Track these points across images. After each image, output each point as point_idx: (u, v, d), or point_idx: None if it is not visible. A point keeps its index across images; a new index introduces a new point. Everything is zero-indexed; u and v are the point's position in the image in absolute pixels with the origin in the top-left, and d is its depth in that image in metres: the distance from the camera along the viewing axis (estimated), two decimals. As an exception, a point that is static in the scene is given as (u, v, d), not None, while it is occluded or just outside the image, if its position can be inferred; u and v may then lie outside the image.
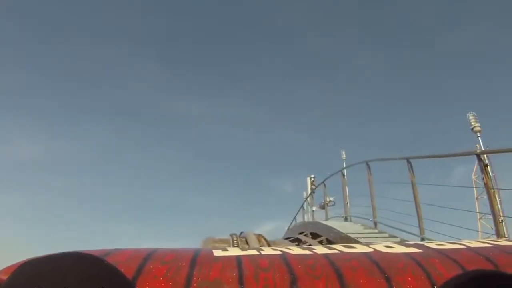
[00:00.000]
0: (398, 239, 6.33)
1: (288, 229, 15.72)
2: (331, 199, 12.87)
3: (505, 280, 0.73)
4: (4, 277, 1.20)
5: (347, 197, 10.68)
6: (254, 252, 1.56)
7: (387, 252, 1.59)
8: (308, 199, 15.29)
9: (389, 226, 7.52)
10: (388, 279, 1.34)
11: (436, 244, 1.73)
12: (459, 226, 6.26)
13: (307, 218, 14.43)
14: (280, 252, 1.56)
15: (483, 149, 8.08)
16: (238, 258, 1.45)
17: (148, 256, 1.41)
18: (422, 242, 1.83)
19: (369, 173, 8.61)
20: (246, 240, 4.94)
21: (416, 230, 6.44)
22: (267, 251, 1.60)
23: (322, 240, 7.99)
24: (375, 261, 1.46)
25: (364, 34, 60.73)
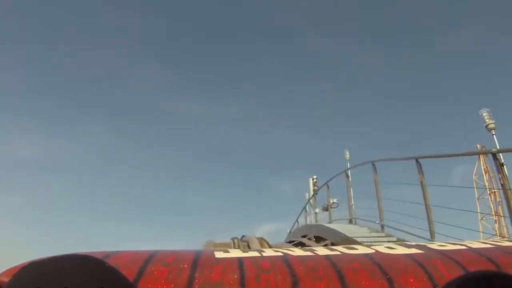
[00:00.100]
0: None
1: (290, 232, 15.54)
2: (335, 200, 12.68)
3: (507, 281, 0.73)
4: (6, 279, 1.21)
5: (352, 199, 10.45)
6: (256, 253, 1.56)
7: (388, 253, 1.59)
8: (311, 200, 15.07)
9: (397, 229, 7.33)
10: (389, 280, 1.34)
11: (438, 245, 1.73)
12: (465, 228, 6.13)
13: (310, 220, 14.27)
14: (281, 254, 1.56)
15: (498, 148, 7.86)
16: (240, 260, 1.45)
17: (150, 258, 1.41)
18: (423, 243, 1.83)
19: (375, 173, 8.37)
20: (248, 244, 5.02)
21: (425, 234, 6.23)
22: (268, 252, 1.59)
23: (327, 244, 7.77)
24: (377, 262, 1.46)
25: (364, 34, 60.99)
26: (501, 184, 5.46)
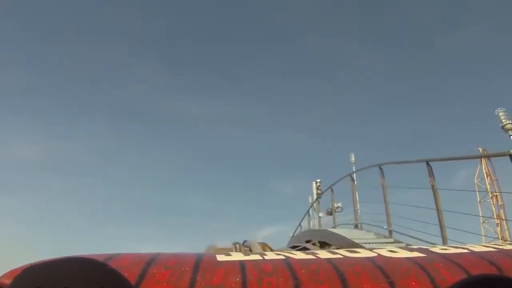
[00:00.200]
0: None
1: (293, 236, 15.35)
2: (339, 204, 12.40)
3: (510, 285, 0.73)
4: (7, 281, 1.21)
5: (357, 203, 10.14)
6: (258, 257, 1.56)
7: (390, 257, 1.59)
8: (314, 204, 14.83)
9: (406, 235, 7.08)
10: (391, 284, 1.34)
11: (440, 249, 1.73)
12: (466, 231, 5.89)
13: (313, 224, 14.05)
14: (283, 257, 1.56)
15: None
16: (242, 263, 1.45)
17: (151, 261, 1.41)
18: (426, 247, 1.83)
19: (382, 177, 8.14)
20: (250, 250, 4.89)
21: (437, 240, 5.99)
22: (270, 256, 1.59)
23: (332, 250, 7.57)
24: (379, 265, 1.46)
25: (364, 34, 61.05)
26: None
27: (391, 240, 7.39)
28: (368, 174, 9.60)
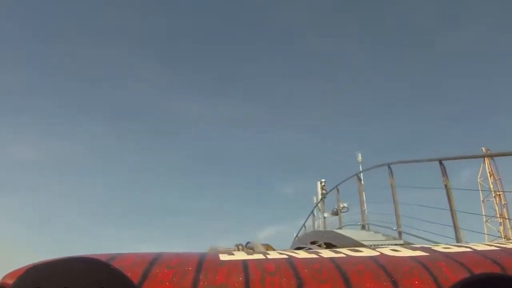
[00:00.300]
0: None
1: (297, 237, 15.19)
2: (345, 205, 12.08)
3: None
4: (10, 281, 1.21)
5: (365, 203, 9.85)
6: (260, 256, 1.56)
7: (393, 256, 1.59)
8: (319, 204, 14.54)
9: (416, 236, 6.83)
10: (394, 283, 1.34)
11: (443, 247, 1.73)
12: (470, 230, 5.90)
13: (318, 225, 13.84)
14: (286, 256, 1.56)
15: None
16: (244, 262, 1.45)
17: (154, 261, 1.41)
18: (428, 246, 1.83)
19: (391, 176, 7.88)
20: (253, 251, 4.81)
21: (450, 242, 5.52)
22: (273, 255, 1.59)
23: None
24: (382, 264, 1.46)
25: (364, 34, 60.98)
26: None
27: (401, 241, 7.14)
28: (374, 174, 9.56)
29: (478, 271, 1.35)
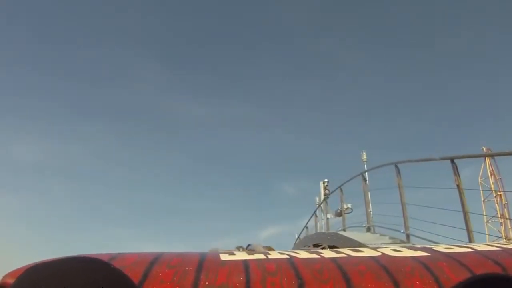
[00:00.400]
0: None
1: (298, 239, 14.81)
2: (349, 205, 11.72)
3: None
4: (11, 280, 1.21)
5: (370, 204, 9.42)
6: (261, 256, 1.56)
7: (395, 256, 1.59)
8: (322, 205, 14.15)
9: (424, 239, 6.45)
10: (396, 283, 1.34)
11: (444, 248, 1.72)
12: (475, 231, 5.63)
13: (321, 226, 13.58)
14: (287, 256, 1.55)
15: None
16: (245, 263, 1.45)
17: (155, 260, 1.41)
18: (429, 246, 1.83)
19: (398, 176, 7.50)
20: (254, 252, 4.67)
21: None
22: (274, 255, 1.59)
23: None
24: (383, 265, 1.46)
25: (364, 34, 60.91)
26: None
27: (410, 244, 6.51)
28: (377, 174, 9.34)
29: (479, 271, 1.35)
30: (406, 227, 7.08)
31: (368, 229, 9.20)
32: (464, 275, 1.24)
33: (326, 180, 15.54)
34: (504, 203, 32.81)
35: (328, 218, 12.99)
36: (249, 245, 1.95)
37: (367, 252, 1.65)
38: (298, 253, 1.63)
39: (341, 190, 11.61)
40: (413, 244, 6.30)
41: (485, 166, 34.94)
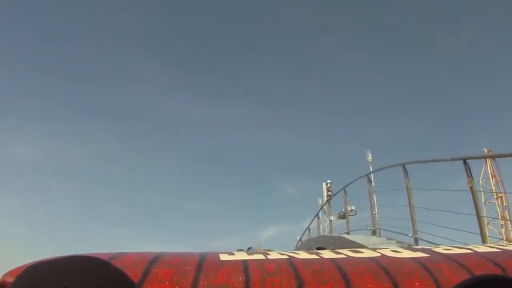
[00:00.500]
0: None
1: (300, 241, 14.45)
2: (353, 207, 11.28)
3: None
4: (10, 279, 1.21)
5: (375, 206, 9.05)
6: (261, 256, 1.56)
7: (394, 257, 1.59)
8: (325, 207, 13.60)
9: (434, 244, 5.60)
10: (395, 284, 1.34)
11: (444, 249, 1.72)
12: (471, 232, 5.50)
13: (323, 228, 13.17)
14: (287, 257, 1.55)
15: None
16: (245, 263, 1.45)
17: (155, 260, 1.41)
18: (429, 247, 1.83)
19: (406, 178, 7.15)
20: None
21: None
22: (273, 255, 1.59)
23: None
24: (382, 266, 1.46)
25: (364, 34, 60.85)
26: None
27: (409, 246, 5.86)
28: (382, 175, 9.15)
29: (478, 272, 1.35)
30: (415, 231, 6.73)
31: (374, 232, 8.87)
32: (463, 276, 1.24)
33: (329, 181, 15.25)
34: (505, 205, 32.71)
35: (331, 220, 12.52)
36: (249, 248, 1.94)
37: (366, 253, 1.65)
38: (297, 254, 1.63)
39: (345, 191, 11.22)
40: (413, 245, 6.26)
41: (486, 167, 34.89)
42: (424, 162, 7.28)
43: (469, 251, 1.68)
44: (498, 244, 1.95)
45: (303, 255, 1.62)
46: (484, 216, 5.48)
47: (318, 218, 13.89)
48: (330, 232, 11.89)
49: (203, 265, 1.40)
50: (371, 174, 9.45)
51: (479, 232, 5.42)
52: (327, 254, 1.64)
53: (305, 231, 15.03)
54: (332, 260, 1.53)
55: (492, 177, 35.34)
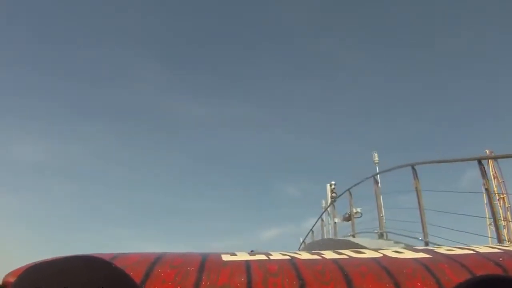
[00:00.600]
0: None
1: (303, 243, 14.48)
2: (358, 210, 10.89)
3: None
4: (12, 279, 1.22)
5: (382, 208, 8.70)
6: (263, 257, 1.56)
7: (396, 258, 1.59)
8: (329, 209, 13.31)
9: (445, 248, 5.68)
10: (397, 285, 1.34)
11: (445, 249, 1.72)
12: (473, 233, 5.53)
13: (327, 230, 12.91)
14: (289, 257, 1.56)
15: None
16: (247, 263, 1.45)
17: (157, 260, 1.41)
18: (431, 248, 1.82)
19: (416, 179, 6.88)
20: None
21: None
22: (275, 256, 1.59)
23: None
24: (384, 266, 1.46)
25: (364, 34, 60.79)
26: None
27: (411, 246, 5.76)
28: (386, 177, 8.92)
29: (480, 273, 1.35)
30: (425, 234, 6.43)
31: (381, 236, 8.56)
32: (465, 277, 1.24)
33: (333, 182, 14.77)
34: (507, 206, 32.67)
35: (335, 223, 12.22)
36: (252, 251, 1.94)
37: (368, 254, 1.65)
38: (299, 254, 1.63)
39: (350, 193, 10.89)
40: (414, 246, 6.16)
41: (488, 169, 34.84)
42: (434, 162, 7.04)
43: (470, 251, 1.68)
44: (500, 245, 1.95)
45: (305, 255, 1.62)
46: (500, 219, 5.24)
47: (322, 220, 13.60)
48: (335, 234, 11.67)
49: (205, 265, 1.40)
50: (378, 175, 9.13)
51: (476, 233, 5.44)
52: (329, 254, 1.64)
53: (308, 233, 14.92)
54: (334, 260, 1.53)
55: (494, 178, 35.24)
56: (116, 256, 1.43)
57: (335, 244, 8.36)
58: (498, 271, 1.43)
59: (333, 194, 14.08)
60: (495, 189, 34.60)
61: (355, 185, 10.37)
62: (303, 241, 15.05)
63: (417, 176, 6.91)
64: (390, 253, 1.66)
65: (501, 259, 1.53)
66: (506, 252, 1.68)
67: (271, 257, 1.56)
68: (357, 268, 1.44)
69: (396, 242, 7.39)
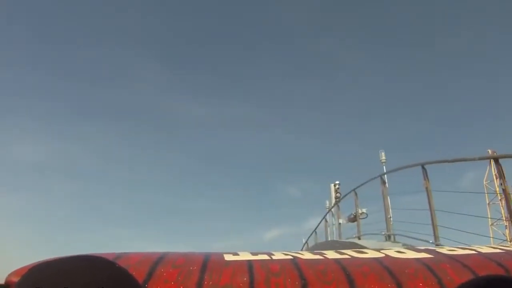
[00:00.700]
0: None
1: (307, 245, 14.14)
2: (364, 210, 10.55)
3: None
4: (15, 279, 1.22)
5: (390, 210, 8.35)
6: (265, 257, 1.56)
7: (398, 258, 1.59)
8: (333, 209, 12.88)
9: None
10: (399, 285, 1.34)
11: (447, 250, 1.72)
12: (475, 233, 5.39)
13: (331, 231, 12.51)
14: (291, 257, 1.56)
15: None
16: (249, 263, 1.46)
17: (159, 260, 1.41)
18: (433, 248, 1.82)
19: (426, 179, 6.58)
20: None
21: None
22: (278, 255, 1.60)
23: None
24: (386, 266, 1.46)
25: (364, 34, 60.69)
26: None
27: (413, 247, 5.26)
28: (393, 177, 8.64)
29: (482, 273, 1.35)
30: (436, 237, 6.16)
31: (388, 238, 8.23)
32: (467, 277, 1.24)
33: (337, 182, 14.66)
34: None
35: (340, 224, 11.84)
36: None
37: (370, 254, 1.65)
38: (301, 254, 1.63)
39: (356, 193, 10.48)
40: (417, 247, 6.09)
41: (490, 168, 34.75)
42: (445, 162, 6.75)
43: (472, 251, 1.68)
44: (502, 245, 1.94)
45: (307, 255, 1.62)
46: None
47: (326, 221, 13.26)
48: (339, 236, 11.39)
49: (208, 265, 1.40)
50: (385, 175, 8.79)
51: (478, 233, 5.24)
52: (331, 254, 1.64)
53: (311, 234, 14.61)
54: (336, 260, 1.53)
55: (496, 178, 35.17)
56: (119, 256, 1.43)
57: (340, 247, 7.73)
58: (500, 272, 1.43)
59: (337, 194, 13.86)
60: (497, 189, 34.54)
61: (361, 185, 10.04)
62: (306, 242, 14.81)
63: (427, 176, 6.66)
64: (392, 253, 1.66)
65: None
66: (508, 252, 1.68)
67: (273, 257, 1.56)
68: (359, 268, 1.44)
69: (404, 245, 6.73)
